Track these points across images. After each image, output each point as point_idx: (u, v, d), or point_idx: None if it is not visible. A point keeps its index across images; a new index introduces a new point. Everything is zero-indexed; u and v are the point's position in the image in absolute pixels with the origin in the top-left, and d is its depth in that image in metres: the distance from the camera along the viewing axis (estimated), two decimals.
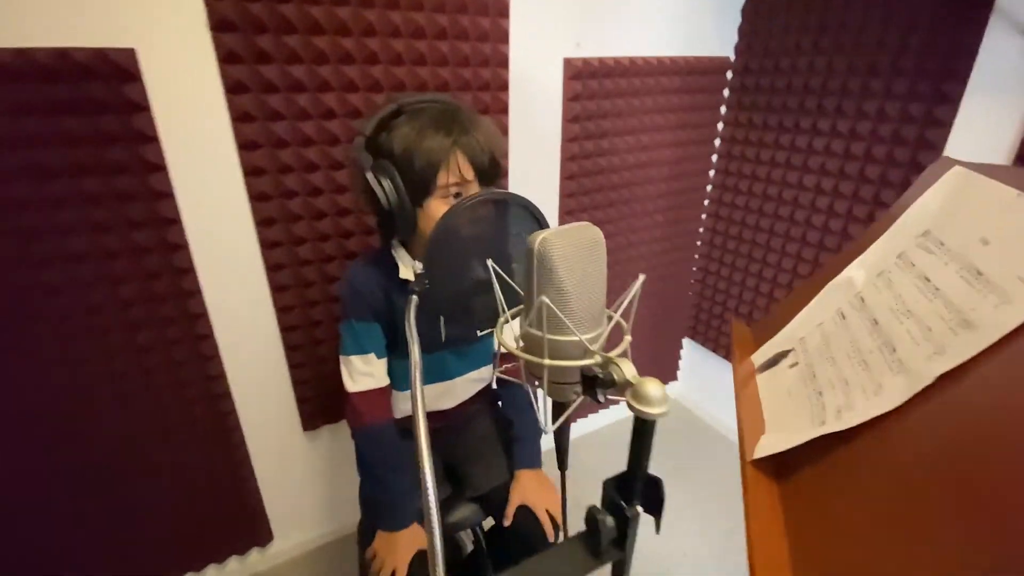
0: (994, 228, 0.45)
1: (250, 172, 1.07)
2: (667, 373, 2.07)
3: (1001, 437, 0.31)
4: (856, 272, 0.61)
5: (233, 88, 0.99)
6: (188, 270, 1.07)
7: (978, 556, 0.28)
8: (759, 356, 0.68)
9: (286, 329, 1.24)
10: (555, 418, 0.50)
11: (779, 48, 1.49)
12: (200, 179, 1.04)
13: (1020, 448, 0.30)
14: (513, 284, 0.53)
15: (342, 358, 0.86)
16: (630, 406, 0.39)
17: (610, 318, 0.48)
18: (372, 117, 0.77)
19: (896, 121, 1.27)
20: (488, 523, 0.99)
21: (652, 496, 0.42)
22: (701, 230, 1.84)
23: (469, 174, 0.77)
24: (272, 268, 1.16)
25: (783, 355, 0.64)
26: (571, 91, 1.36)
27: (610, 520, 0.41)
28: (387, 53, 1.10)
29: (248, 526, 1.40)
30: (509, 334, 0.99)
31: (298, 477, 1.44)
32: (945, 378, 0.38)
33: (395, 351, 0.88)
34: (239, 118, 1.02)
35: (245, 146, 1.04)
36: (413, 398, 0.41)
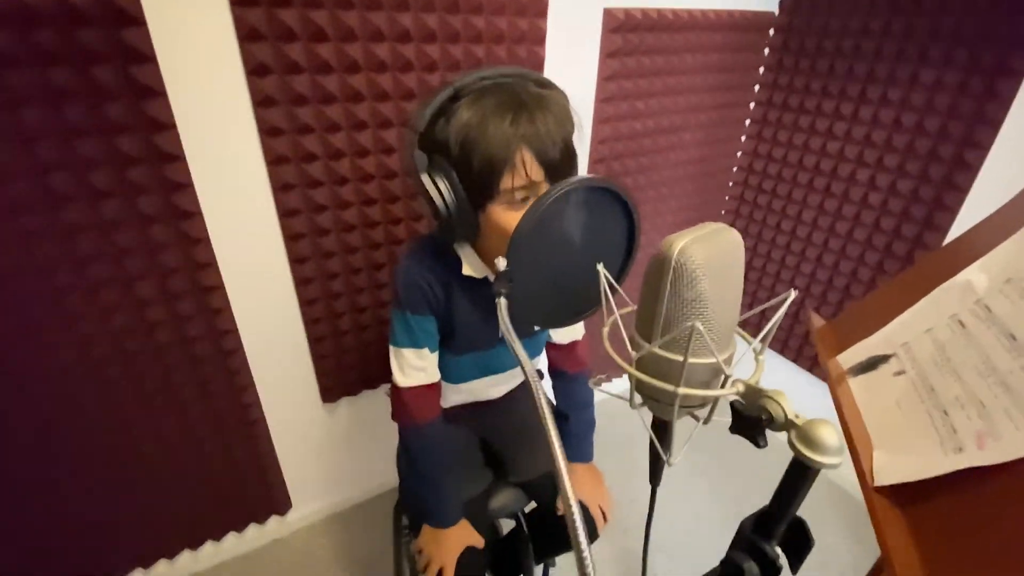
0: None
1: (267, 132, 0.96)
2: None
3: None
4: (976, 276, 0.56)
5: (248, 36, 0.87)
6: (201, 239, 0.98)
7: None
8: (849, 357, 0.64)
9: (306, 303, 1.17)
10: (662, 438, 0.46)
11: (829, 6, 1.38)
12: (214, 139, 0.93)
13: None
14: (619, 289, 0.47)
15: (393, 349, 0.80)
16: (795, 448, 0.35)
17: (743, 338, 0.43)
18: (425, 105, 0.65)
19: (953, 93, 1.20)
20: (529, 506, 0.98)
21: (795, 537, 0.38)
22: (727, 198, 1.78)
23: (537, 175, 0.64)
24: (291, 238, 1.08)
25: (881, 359, 0.60)
26: (610, 46, 1.25)
27: (755, 567, 0.37)
28: (419, 2, 0.98)
29: (267, 495, 1.38)
30: (564, 334, 0.92)
31: (316, 447, 1.41)
32: None
33: (449, 344, 0.82)
34: (254, 71, 0.90)
35: (261, 103, 0.93)
36: (544, 421, 0.35)
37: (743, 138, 1.68)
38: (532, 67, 1.17)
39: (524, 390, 1.00)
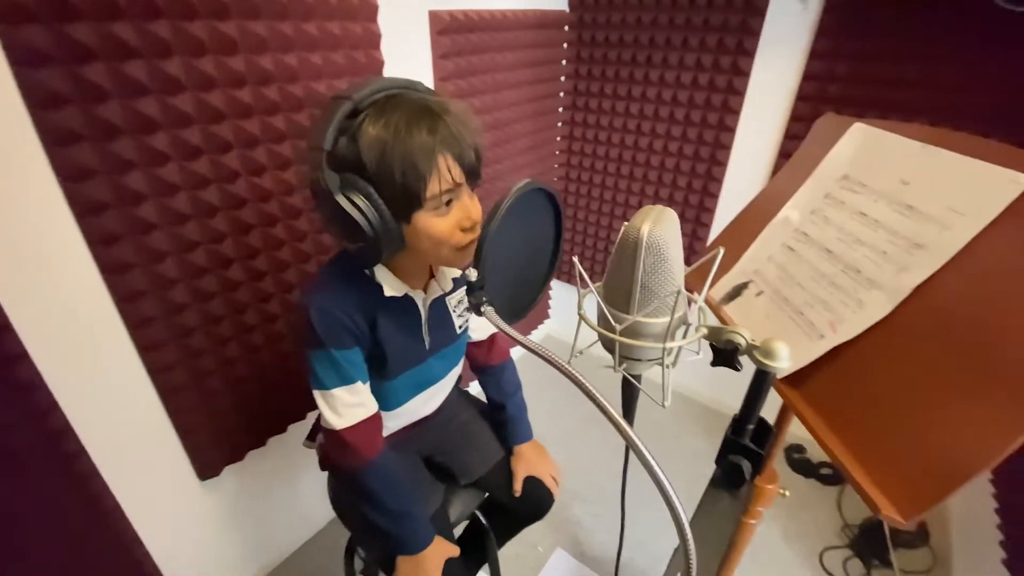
0: (909, 172, 0.62)
1: (69, 176, 0.77)
2: (540, 313, 2.25)
3: (983, 310, 0.45)
4: (790, 212, 0.76)
5: (25, 59, 0.68)
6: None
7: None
8: (718, 290, 0.81)
9: (159, 371, 0.97)
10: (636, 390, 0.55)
11: (609, 3, 1.62)
12: None
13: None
14: (588, 280, 0.53)
15: (320, 393, 0.73)
16: (758, 362, 0.46)
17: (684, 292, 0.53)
18: (326, 123, 0.61)
19: (710, 71, 1.54)
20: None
21: (759, 430, 0.50)
22: (556, 179, 1.98)
23: (459, 177, 0.66)
24: (125, 299, 0.89)
25: (743, 287, 0.78)
26: (440, 48, 1.28)
27: (745, 462, 0.48)
28: (241, 8, 0.88)
29: None
30: (481, 331, 0.97)
31: (203, 532, 1.20)
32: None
33: (382, 371, 0.78)
34: (40, 104, 0.71)
35: (56, 141, 0.74)
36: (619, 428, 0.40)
37: (560, 124, 1.88)
38: (373, 71, 1.14)
39: (453, 398, 1.01)
